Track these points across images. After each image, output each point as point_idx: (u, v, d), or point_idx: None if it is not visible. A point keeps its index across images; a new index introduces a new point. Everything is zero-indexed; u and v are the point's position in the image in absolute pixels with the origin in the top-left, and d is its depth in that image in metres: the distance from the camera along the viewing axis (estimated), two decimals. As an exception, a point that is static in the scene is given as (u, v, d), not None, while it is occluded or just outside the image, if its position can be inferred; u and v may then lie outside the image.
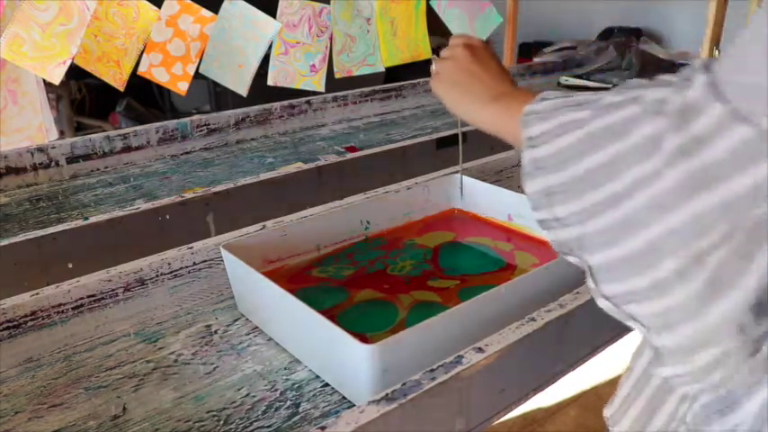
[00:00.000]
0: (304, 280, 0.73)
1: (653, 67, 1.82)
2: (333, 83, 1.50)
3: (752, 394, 0.40)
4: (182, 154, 1.25)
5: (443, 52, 0.66)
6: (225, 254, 0.68)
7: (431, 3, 1.61)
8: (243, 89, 1.37)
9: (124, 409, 0.57)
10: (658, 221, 0.37)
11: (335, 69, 1.50)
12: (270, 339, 0.66)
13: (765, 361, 0.40)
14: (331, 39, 1.46)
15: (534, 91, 0.53)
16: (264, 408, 0.57)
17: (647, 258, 0.39)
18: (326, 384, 0.59)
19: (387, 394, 0.48)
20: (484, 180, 0.88)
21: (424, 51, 1.64)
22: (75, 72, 1.25)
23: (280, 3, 1.37)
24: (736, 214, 0.35)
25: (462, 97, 0.62)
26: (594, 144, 0.42)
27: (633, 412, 0.51)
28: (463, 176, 0.88)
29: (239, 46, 1.33)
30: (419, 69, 1.81)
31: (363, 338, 0.56)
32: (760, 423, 0.40)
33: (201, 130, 1.28)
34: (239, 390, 0.59)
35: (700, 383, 0.40)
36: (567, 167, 0.44)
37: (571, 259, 0.47)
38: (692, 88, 0.36)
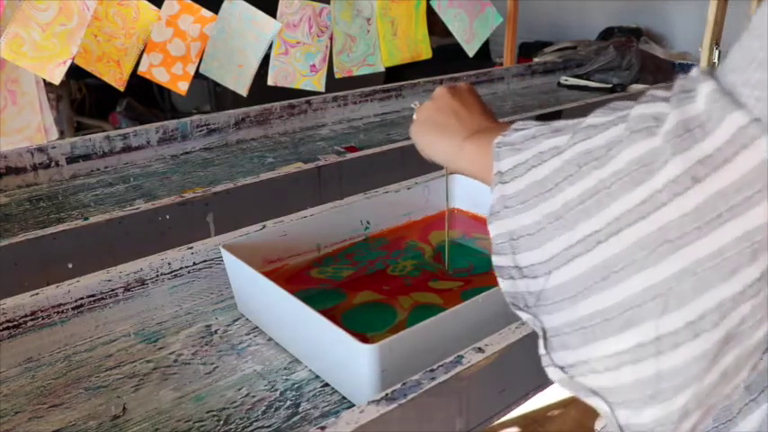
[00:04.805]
0: (303, 281, 0.73)
1: (653, 67, 1.82)
2: (333, 83, 1.50)
3: (748, 412, 0.38)
4: (182, 154, 1.25)
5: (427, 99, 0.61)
6: (225, 254, 0.68)
7: (431, 3, 1.61)
8: (243, 89, 1.38)
9: (124, 409, 0.57)
10: (658, 264, 0.30)
11: (335, 69, 1.51)
12: (270, 339, 0.66)
13: (761, 376, 0.37)
14: (331, 39, 1.47)
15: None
16: (264, 408, 0.57)
17: (635, 311, 0.31)
18: (326, 384, 0.59)
19: (387, 394, 0.48)
20: (484, 180, 0.88)
21: (424, 51, 1.64)
22: (75, 72, 1.25)
23: (280, 3, 1.37)
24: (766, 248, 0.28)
25: (439, 136, 0.55)
26: (571, 174, 0.35)
27: None
28: (463, 177, 0.88)
29: (239, 46, 1.33)
30: (420, 69, 1.82)
31: (363, 338, 0.56)
32: None
33: (201, 130, 1.28)
34: (239, 390, 0.59)
35: None
36: (538, 205, 0.37)
37: (523, 316, 0.39)
38: (695, 100, 0.30)
